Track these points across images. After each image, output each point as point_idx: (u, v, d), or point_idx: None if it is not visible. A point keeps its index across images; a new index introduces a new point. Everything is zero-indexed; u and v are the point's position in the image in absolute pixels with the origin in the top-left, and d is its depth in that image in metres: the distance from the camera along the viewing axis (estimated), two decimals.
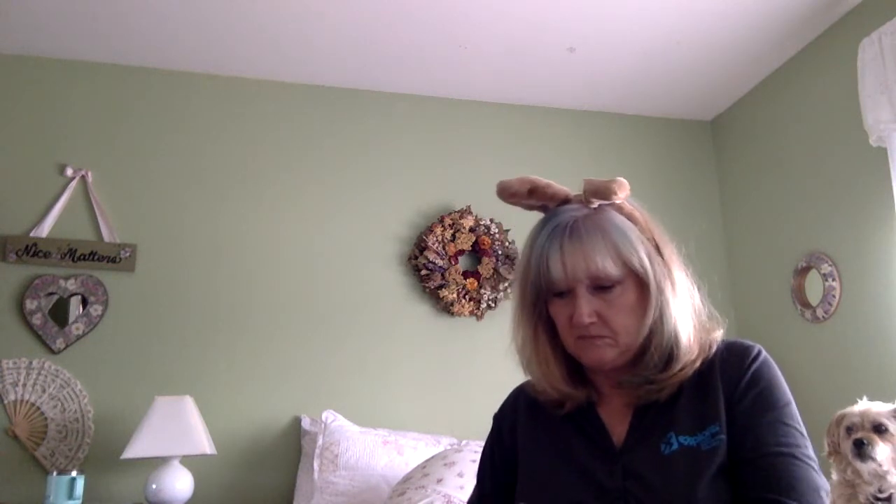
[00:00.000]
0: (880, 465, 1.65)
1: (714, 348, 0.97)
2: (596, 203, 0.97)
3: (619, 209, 0.98)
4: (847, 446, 1.70)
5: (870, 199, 2.52)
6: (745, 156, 3.27)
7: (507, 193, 1.00)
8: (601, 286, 0.93)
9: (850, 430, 1.72)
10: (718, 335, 0.99)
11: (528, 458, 1.04)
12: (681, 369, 0.93)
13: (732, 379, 0.94)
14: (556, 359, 1.00)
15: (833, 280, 2.66)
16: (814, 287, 2.78)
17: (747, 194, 3.25)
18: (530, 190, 1.00)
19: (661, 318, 0.94)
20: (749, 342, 0.99)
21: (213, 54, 2.90)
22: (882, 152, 2.43)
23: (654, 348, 0.94)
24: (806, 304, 2.80)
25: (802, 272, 2.83)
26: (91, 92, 2.91)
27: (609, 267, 0.92)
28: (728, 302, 3.28)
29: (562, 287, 0.94)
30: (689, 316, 0.96)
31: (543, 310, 0.99)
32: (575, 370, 1.01)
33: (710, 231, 3.38)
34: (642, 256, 0.94)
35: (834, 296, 2.65)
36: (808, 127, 2.86)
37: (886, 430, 1.68)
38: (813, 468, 0.88)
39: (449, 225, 3.03)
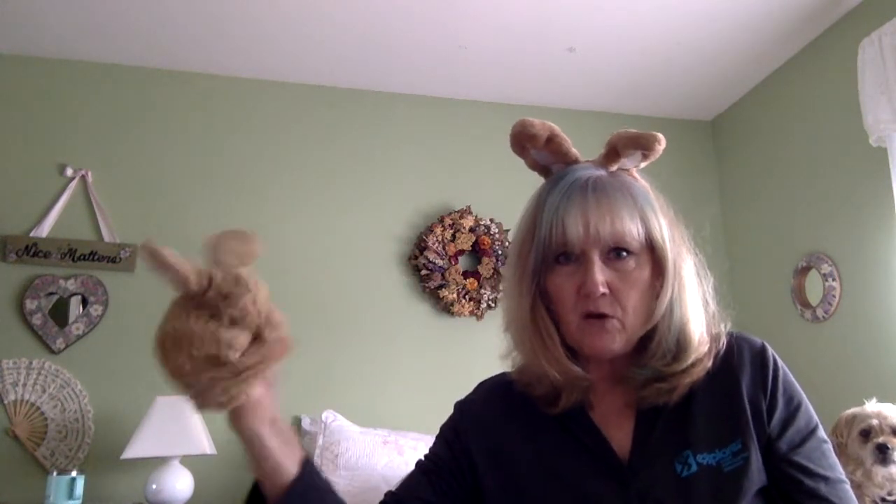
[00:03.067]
0: None
1: (723, 344, 0.88)
2: (615, 166, 0.88)
3: (636, 180, 0.89)
4: (865, 450, 1.68)
5: (870, 199, 2.52)
6: (745, 156, 3.27)
7: (526, 134, 0.88)
8: (619, 253, 0.82)
9: (866, 433, 1.70)
10: (725, 330, 0.90)
11: (503, 472, 0.88)
12: (692, 364, 0.84)
13: (756, 388, 0.85)
14: (558, 339, 0.86)
15: (833, 280, 2.66)
16: (814, 287, 2.78)
17: (747, 194, 3.25)
18: (549, 137, 0.88)
19: (674, 302, 0.84)
20: (754, 338, 0.91)
21: (213, 54, 2.90)
22: (882, 152, 2.43)
23: (662, 337, 0.83)
24: (806, 304, 2.80)
25: (802, 272, 2.83)
26: (91, 92, 2.91)
27: (635, 231, 0.82)
28: (728, 302, 3.28)
29: (575, 249, 0.82)
30: (700, 305, 0.88)
31: (542, 283, 0.86)
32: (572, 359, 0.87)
33: (710, 231, 3.38)
34: (664, 230, 0.85)
35: (834, 296, 2.65)
36: (808, 127, 2.86)
37: None
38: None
39: (449, 225, 3.02)
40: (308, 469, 0.80)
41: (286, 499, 0.78)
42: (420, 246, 3.01)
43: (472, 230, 3.04)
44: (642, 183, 0.89)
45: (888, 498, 1.66)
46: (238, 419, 0.76)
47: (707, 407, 0.85)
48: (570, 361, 0.85)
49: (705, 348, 0.85)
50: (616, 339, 0.82)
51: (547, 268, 0.85)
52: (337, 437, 2.51)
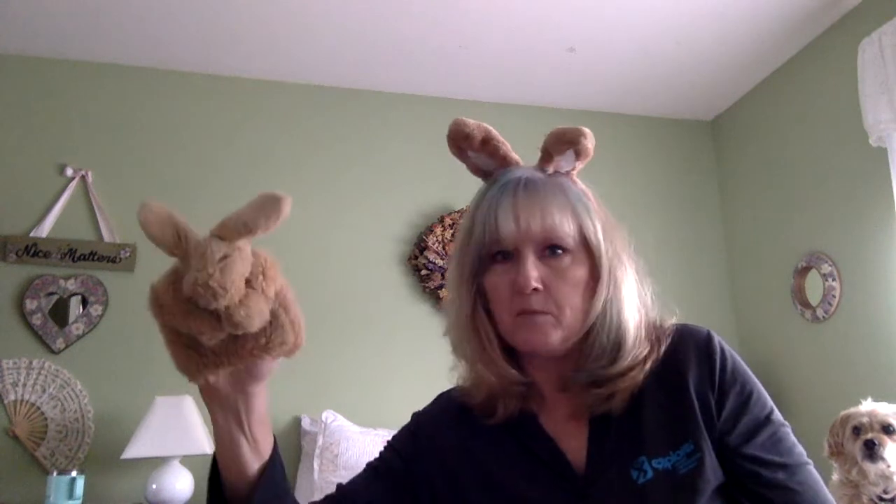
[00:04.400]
0: (888, 466, 1.65)
1: (665, 343, 0.85)
2: (551, 168, 0.87)
3: (573, 183, 0.88)
4: (855, 447, 1.69)
5: (870, 199, 2.52)
6: (746, 156, 3.27)
7: (461, 135, 0.88)
8: (552, 250, 0.82)
9: (857, 430, 1.72)
10: (669, 326, 0.88)
11: (454, 485, 0.86)
12: (629, 367, 0.82)
13: (703, 383, 0.83)
14: (496, 342, 0.85)
15: (833, 280, 2.66)
16: (814, 287, 2.78)
17: (747, 194, 3.25)
18: (484, 139, 0.87)
19: (609, 302, 0.83)
20: (699, 328, 0.88)
21: (213, 54, 2.90)
22: (882, 152, 2.43)
23: (597, 337, 0.82)
24: (806, 304, 2.80)
25: (802, 272, 2.83)
26: (91, 92, 2.91)
27: (566, 226, 0.82)
28: (728, 302, 3.29)
29: (508, 245, 0.82)
30: (636, 308, 0.85)
31: (481, 285, 0.85)
32: (514, 366, 0.86)
33: (710, 231, 3.38)
34: (598, 230, 0.84)
35: (834, 296, 2.65)
36: (808, 127, 2.86)
37: (895, 430, 1.68)
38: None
39: (449, 225, 3.03)
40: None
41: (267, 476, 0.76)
42: (420, 246, 3.01)
43: None
44: (581, 186, 0.89)
45: (885, 496, 1.67)
46: (208, 400, 0.77)
47: (657, 409, 0.83)
48: (507, 364, 0.84)
49: (644, 351, 0.84)
50: (550, 335, 0.81)
51: (484, 268, 0.85)
52: (337, 437, 2.51)
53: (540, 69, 3.03)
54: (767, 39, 2.83)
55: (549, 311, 0.81)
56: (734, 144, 3.36)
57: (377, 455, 0.93)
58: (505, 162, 0.89)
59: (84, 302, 2.70)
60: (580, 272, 0.82)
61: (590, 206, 0.86)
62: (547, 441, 0.84)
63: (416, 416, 0.96)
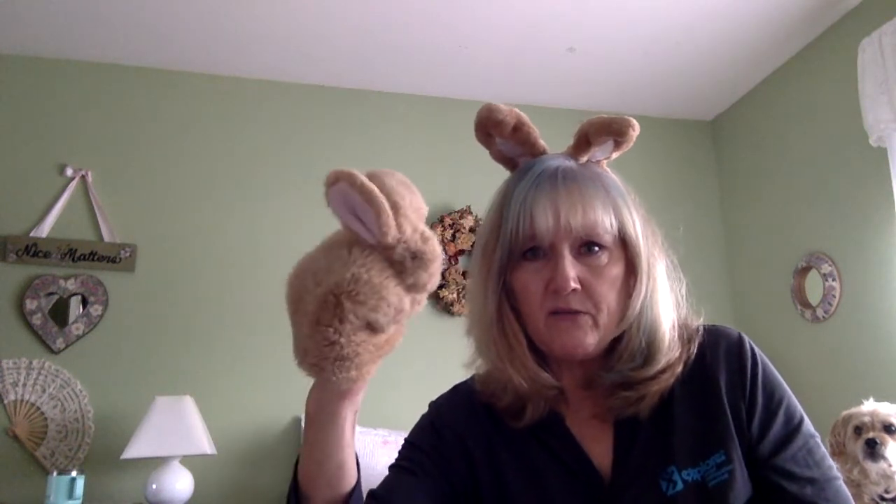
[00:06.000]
0: (890, 465, 1.65)
1: (695, 345, 0.81)
2: (585, 157, 0.82)
3: (608, 173, 0.83)
4: (857, 446, 1.70)
5: (870, 200, 2.52)
6: (745, 156, 3.27)
7: (493, 120, 0.83)
8: (590, 248, 0.77)
9: (858, 430, 1.72)
10: (698, 327, 0.84)
11: (492, 484, 0.81)
12: (661, 370, 0.78)
13: (734, 389, 0.79)
14: (525, 343, 0.80)
15: (833, 280, 2.66)
16: (814, 287, 2.78)
17: (747, 194, 3.25)
18: (517, 125, 0.83)
19: (646, 301, 0.78)
20: (730, 330, 0.84)
21: (213, 54, 2.90)
22: (882, 152, 2.43)
23: (632, 338, 0.78)
24: (806, 304, 2.80)
25: (802, 272, 2.83)
26: (91, 92, 2.91)
27: (607, 222, 0.77)
28: (728, 302, 3.29)
29: (543, 243, 0.77)
30: (671, 306, 0.82)
31: (507, 283, 0.80)
32: (541, 365, 0.81)
33: (710, 231, 3.38)
34: (638, 225, 0.80)
35: (834, 296, 2.65)
36: (808, 127, 2.86)
37: None
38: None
39: (449, 225, 3.03)
40: (359, 476, 0.76)
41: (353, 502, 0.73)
42: None
43: (472, 230, 3.04)
44: (614, 176, 0.84)
45: (886, 496, 1.67)
46: (339, 402, 0.69)
47: (686, 415, 0.79)
48: (538, 367, 0.79)
49: (676, 353, 0.80)
50: (588, 336, 0.76)
51: (513, 265, 0.79)
52: None
53: (540, 69, 3.03)
54: (767, 39, 2.83)
55: (586, 310, 0.76)
56: (734, 144, 3.36)
57: (398, 455, 0.87)
58: (534, 150, 0.84)
59: (84, 302, 2.70)
60: (617, 270, 0.78)
61: (628, 200, 0.81)
62: (574, 446, 0.79)
63: (437, 408, 0.90)
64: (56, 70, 2.89)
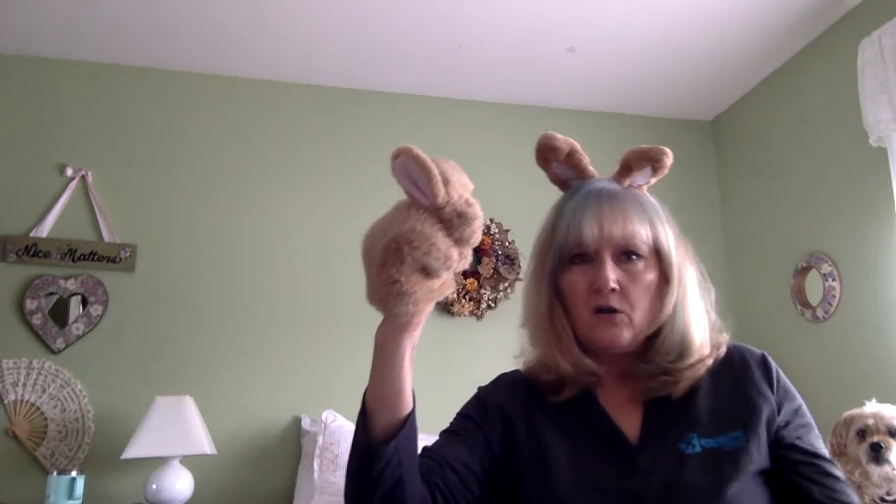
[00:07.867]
0: (893, 469, 1.65)
1: (723, 350, 0.97)
2: (627, 182, 0.99)
3: (647, 196, 1.00)
4: (860, 449, 1.69)
5: (870, 199, 2.52)
6: (745, 156, 3.27)
7: (549, 147, 0.98)
8: (629, 256, 0.92)
9: (861, 432, 1.71)
10: (725, 338, 0.99)
11: (535, 452, 0.93)
12: (695, 363, 0.92)
13: (762, 384, 0.94)
14: (572, 334, 0.95)
15: (833, 280, 2.66)
16: (814, 287, 2.78)
17: (747, 194, 3.25)
18: (570, 152, 0.98)
19: (678, 306, 0.93)
20: (754, 348, 1.00)
21: (213, 54, 2.90)
22: (882, 152, 2.43)
23: (666, 337, 0.93)
24: (806, 304, 2.80)
25: (802, 272, 2.83)
26: (91, 92, 2.91)
27: (643, 234, 0.93)
28: (728, 302, 3.28)
29: (589, 249, 0.93)
30: (702, 312, 0.96)
31: (557, 283, 0.96)
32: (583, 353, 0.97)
33: (710, 231, 3.38)
34: (670, 239, 0.96)
35: (834, 296, 2.65)
36: (808, 127, 2.86)
37: None
38: None
39: None
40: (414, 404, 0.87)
41: (409, 427, 0.85)
42: None
43: None
44: (652, 199, 1.00)
45: (887, 498, 1.66)
46: (399, 333, 0.83)
47: (711, 400, 0.92)
48: (582, 354, 0.94)
49: (706, 353, 0.94)
50: (624, 333, 0.91)
51: (563, 268, 0.95)
52: (337, 437, 2.51)
53: (540, 69, 3.03)
54: (767, 39, 2.83)
55: (623, 309, 0.91)
56: (734, 144, 3.36)
57: (450, 423, 1.02)
58: (584, 173, 1.00)
59: (84, 302, 2.70)
60: (651, 276, 0.93)
61: (663, 217, 0.97)
62: (605, 417, 0.93)
63: (484, 388, 1.05)
64: (56, 70, 2.89)
